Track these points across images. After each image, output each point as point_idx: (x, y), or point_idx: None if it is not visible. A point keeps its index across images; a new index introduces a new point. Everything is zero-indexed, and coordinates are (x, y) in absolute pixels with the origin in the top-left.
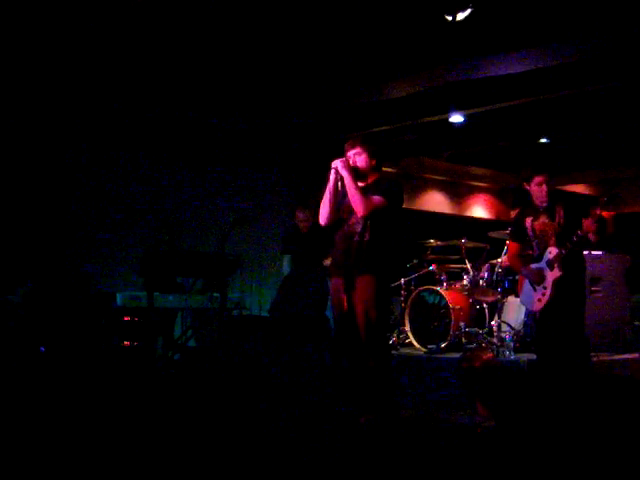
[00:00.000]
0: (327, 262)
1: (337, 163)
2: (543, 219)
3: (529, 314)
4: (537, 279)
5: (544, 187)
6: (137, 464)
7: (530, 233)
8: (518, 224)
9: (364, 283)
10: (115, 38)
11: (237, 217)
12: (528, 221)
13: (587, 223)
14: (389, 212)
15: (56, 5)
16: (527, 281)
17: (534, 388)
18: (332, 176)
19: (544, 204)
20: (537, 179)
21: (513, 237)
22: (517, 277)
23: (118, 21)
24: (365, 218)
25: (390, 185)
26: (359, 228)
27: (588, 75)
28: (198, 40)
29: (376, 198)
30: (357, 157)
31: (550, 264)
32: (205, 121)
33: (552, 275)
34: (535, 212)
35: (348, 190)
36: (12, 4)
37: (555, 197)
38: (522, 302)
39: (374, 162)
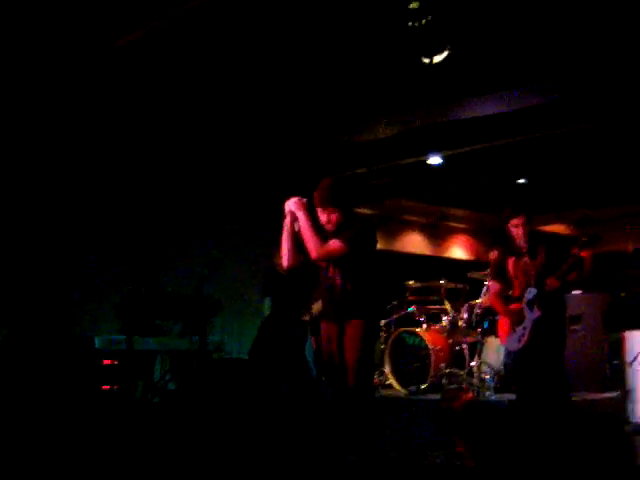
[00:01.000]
0: (316, 308)
1: (290, 204)
2: (525, 260)
3: (509, 354)
4: (517, 319)
5: (520, 229)
6: None
7: (512, 273)
8: (500, 264)
9: (353, 327)
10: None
11: (212, 260)
12: (510, 261)
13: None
14: (359, 257)
15: None
16: (506, 322)
17: (514, 428)
18: (287, 218)
19: (524, 245)
20: (513, 221)
21: (494, 277)
22: (497, 317)
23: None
24: (339, 267)
25: (355, 231)
26: (338, 280)
27: (564, 116)
28: (183, 80)
29: (333, 244)
30: (331, 215)
31: (530, 304)
32: (183, 162)
33: (532, 315)
34: (517, 253)
35: (302, 232)
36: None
37: (536, 238)
38: (502, 341)
39: (343, 218)
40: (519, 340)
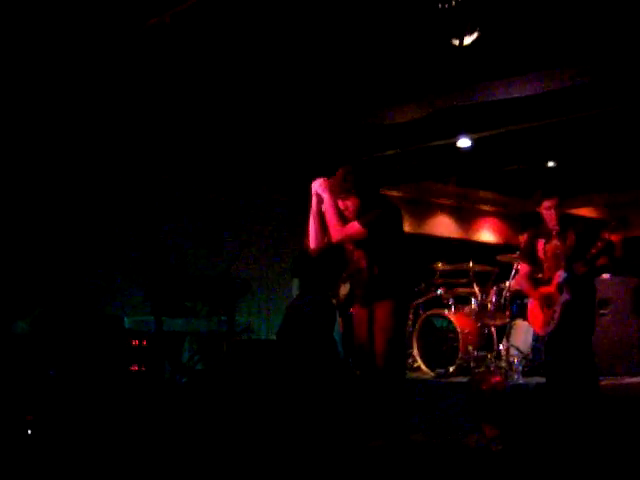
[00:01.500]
0: (342, 291)
1: (316, 186)
2: (555, 242)
3: (538, 337)
4: (546, 302)
5: (552, 211)
6: None
7: (542, 256)
8: (530, 246)
9: (382, 309)
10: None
11: (241, 242)
12: (540, 244)
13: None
14: (380, 241)
15: None
16: (536, 304)
17: (542, 411)
18: (314, 199)
19: (555, 228)
20: (546, 203)
21: (524, 259)
22: (525, 300)
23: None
24: (363, 251)
25: (375, 215)
26: (364, 264)
27: (596, 98)
28: (198, 67)
29: (351, 227)
30: (346, 203)
31: (559, 288)
32: (212, 146)
33: (561, 299)
34: (547, 235)
35: (325, 214)
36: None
37: (567, 221)
38: (531, 324)
39: (362, 201)
40: (549, 324)
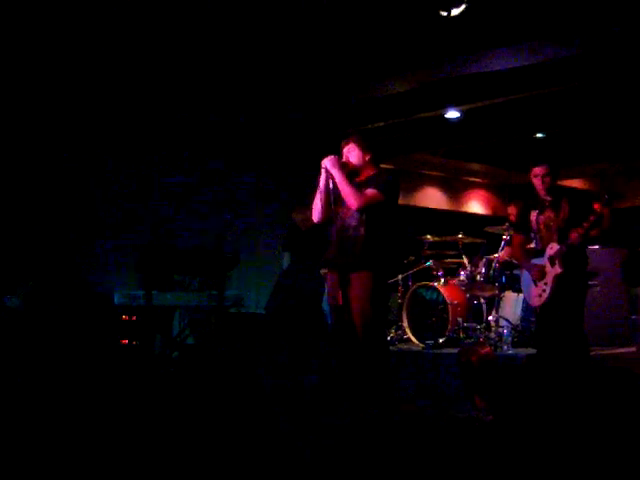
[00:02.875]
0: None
1: (326, 162)
2: (548, 213)
3: (527, 308)
4: (538, 275)
5: (539, 179)
6: (136, 463)
7: (534, 227)
8: (523, 216)
9: (360, 279)
10: (111, 35)
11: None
12: (533, 214)
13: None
14: (384, 206)
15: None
16: (528, 276)
17: (532, 382)
18: (323, 174)
19: (546, 197)
20: (534, 171)
21: (517, 229)
22: (516, 271)
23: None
24: (360, 212)
25: (386, 179)
26: (353, 222)
27: (583, 70)
28: (195, 40)
29: (370, 191)
30: (350, 153)
31: (551, 260)
32: (201, 118)
33: (553, 271)
34: (541, 206)
35: (339, 186)
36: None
37: (559, 192)
38: (524, 293)
39: (368, 157)
40: (540, 295)
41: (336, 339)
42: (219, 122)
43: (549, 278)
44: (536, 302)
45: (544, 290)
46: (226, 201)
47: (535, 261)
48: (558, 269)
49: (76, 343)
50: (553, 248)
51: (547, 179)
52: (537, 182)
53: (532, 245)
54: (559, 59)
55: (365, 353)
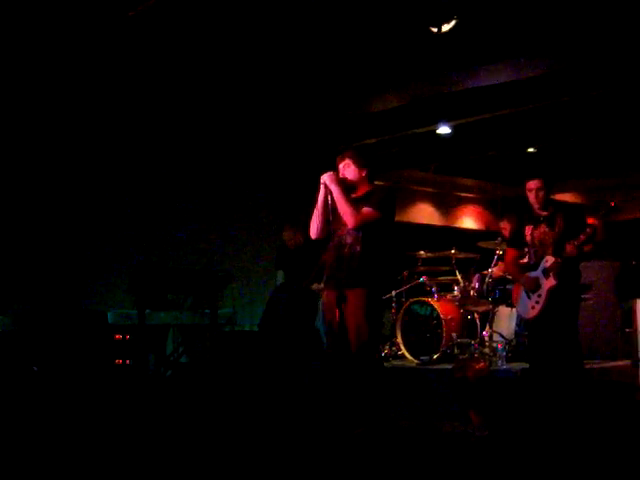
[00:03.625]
0: (315, 287)
1: (325, 178)
2: (543, 228)
3: (521, 323)
4: (532, 287)
5: (533, 194)
6: None
7: (529, 241)
8: (517, 231)
9: (355, 296)
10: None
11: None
12: (528, 229)
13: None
14: (381, 224)
15: None
16: (522, 289)
17: (527, 396)
18: (322, 190)
19: (541, 212)
20: (528, 185)
21: (511, 243)
22: (509, 286)
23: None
24: (356, 230)
25: (382, 196)
26: (349, 240)
27: (573, 84)
28: (193, 58)
29: (366, 210)
30: (346, 169)
31: (546, 272)
32: (195, 140)
33: (547, 284)
34: (535, 220)
35: (337, 203)
36: None
37: (555, 206)
38: (517, 310)
39: (364, 173)
40: (533, 307)
41: (332, 355)
42: (212, 143)
43: (543, 290)
44: (529, 314)
45: (537, 302)
46: (219, 220)
47: (529, 274)
48: (552, 281)
49: (70, 362)
50: (548, 261)
51: (541, 193)
52: (531, 196)
53: (525, 260)
54: (548, 74)
55: (359, 369)
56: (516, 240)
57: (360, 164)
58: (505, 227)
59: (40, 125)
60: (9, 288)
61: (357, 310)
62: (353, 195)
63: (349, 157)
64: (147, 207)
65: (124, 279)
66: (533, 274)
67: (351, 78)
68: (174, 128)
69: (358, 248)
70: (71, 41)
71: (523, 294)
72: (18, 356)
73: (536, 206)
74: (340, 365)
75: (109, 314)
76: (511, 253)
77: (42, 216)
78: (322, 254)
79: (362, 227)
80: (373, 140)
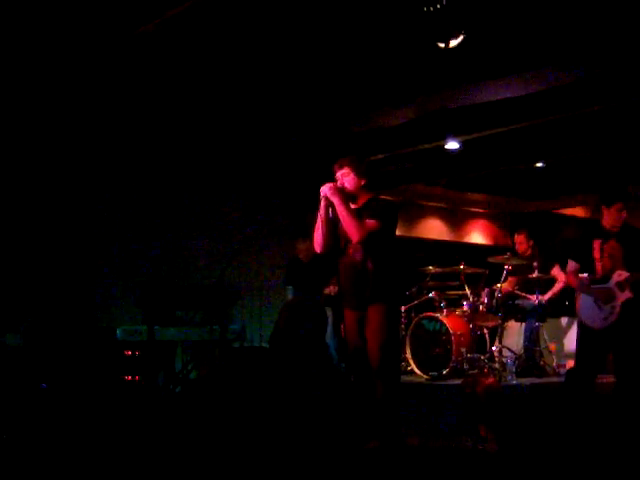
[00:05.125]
0: (328, 290)
1: (325, 189)
2: (612, 243)
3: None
4: (606, 298)
5: (623, 213)
6: None
7: (597, 255)
8: (583, 244)
9: (375, 312)
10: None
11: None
12: (597, 243)
13: None
14: (383, 235)
15: None
16: (587, 299)
17: (537, 411)
18: (322, 203)
19: (615, 229)
20: (618, 206)
21: (575, 257)
22: (517, 301)
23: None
24: (362, 245)
25: (382, 207)
26: (359, 257)
27: (581, 98)
28: (196, 70)
29: (370, 222)
30: (345, 178)
31: (620, 286)
32: (203, 155)
33: (622, 296)
34: (605, 235)
35: (340, 216)
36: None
37: (628, 227)
38: (583, 319)
39: (363, 182)
40: (606, 318)
41: (354, 373)
42: (223, 157)
43: (617, 302)
44: (600, 325)
45: (611, 313)
46: (228, 235)
47: (600, 286)
48: (628, 294)
49: (79, 379)
50: (622, 275)
51: (623, 213)
52: (618, 215)
53: (584, 275)
54: (557, 87)
55: (378, 385)
56: (580, 253)
57: (359, 173)
58: (519, 241)
59: (51, 142)
60: (18, 304)
61: (378, 326)
62: (353, 205)
63: (348, 165)
64: (156, 223)
65: (133, 295)
66: (605, 286)
67: (361, 93)
68: (185, 142)
69: (370, 265)
70: (76, 48)
71: (591, 304)
72: (27, 372)
73: (614, 223)
74: (358, 380)
75: (118, 330)
76: (573, 266)
77: (52, 232)
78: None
79: (366, 240)
80: (382, 155)
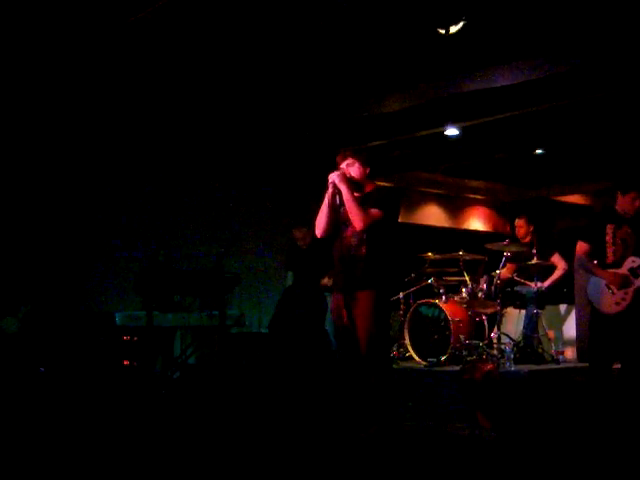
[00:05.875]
0: (325, 281)
1: (334, 176)
2: (626, 229)
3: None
4: (622, 283)
5: (637, 202)
6: None
7: (610, 239)
8: (596, 228)
9: (364, 298)
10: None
11: (231, 235)
12: (610, 228)
13: None
14: (385, 224)
15: None
16: (598, 283)
17: (535, 398)
18: (330, 189)
19: (627, 216)
20: (633, 194)
21: (586, 238)
22: (517, 288)
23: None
24: (362, 232)
25: (386, 195)
26: (355, 241)
27: (580, 85)
28: (197, 59)
29: (373, 211)
30: (350, 168)
31: (634, 272)
32: (201, 140)
33: (637, 282)
34: (618, 221)
35: (346, 203)
36: None
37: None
38: (594, 303)
39: (368, 170)
40: (618, 303)
41: (342, 358)
42: (221, 142)
43: (630, 288)
44: (612, 309)
45: (623, 299)
46: (227, 220)
47: (615, 271)
48: None
49: (77, 364)
50: (636, 261)
51: (637, 202)
52: (631, 203)
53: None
54: (556, 74)
55: (369, 371)
56: (592, 234)
57: (364, 161)
58: (520, 225)
59: (45, 128)
60: (17, 290)
61: (366, 312)
62: (357, 194)
63: (353, 155)
64: (154, 208)
65: (132, 280)
66: (620, 272)
67: (360, 80)
68: (181, 128)
69: (363, 250)
70: (74, 42)
71: (602, 288)
72: (26, 357)
73: (628, 210)
74: (350, 367)
75: (117, 315)
76: (583, 246)
77: (50, 218)
78: (334, 255)
79: (368, 228)
80: (381, 142)
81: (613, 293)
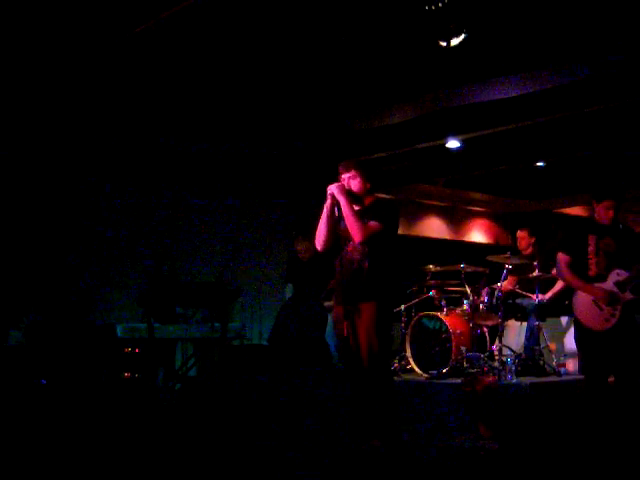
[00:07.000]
0: (327, 305)
1: (333, 188)
2: (608, 240)
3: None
4: (610, 299)
5: (610, 212)
6: None
7: (592, 249)
8: (577, 237)
9: (366, 310)
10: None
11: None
12: (592, 238)
13: None
14: (385, 237)
15: None
16: (586, 298)
17: (536, 410)
18: (328, 201)
19: (609, 225)
20: (607, 203)
21: (567, 249)
22: (518, 300)
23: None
24: (362, 244)
25: (385, 209)
26: (357, 255)
27: (583, 98)
28: (200, 70)
29: (372, 223)
30: (351, 181)
31: (621, 286)
32: (205, 151)
33: (623, 297)
34: (600, 231)
35: (345, 216)
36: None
37: (618, 223)
38: (582, 321)
39: (369, 185)
40: (607, 320)
41: (343, 370)
42: (222, 156)
43: (619, 304)
44: (602, 326)
45: (612, 315)
46: (228, 234)
47: (601, 285)
48: (629, 295)
49: (79, 376)
50: (621, 275)
51: (611, 212)
52: (605, 212)
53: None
54: (557, 87)
55: (371, 383)
56: (573, 245)
57: (366, 177)
58: (522, 236)
59: (52, 142)
60: (19, 301)
61: (368, 324)
62: (357, 207)
63: (355, 169)
64: (157, 221)
65: (134, 292)
66: (606, 286)
67: (361, 92)
68: (186, 139)
69: (366, 264)
70: (73, 47)
71: (590, 305)
72: (28, 369)
73: (604, 220)
74: (351, 378)
75: (118, 327)
76: (565, 258)
77: (52, 230)
78: (335, 269)
79: (368, 241)
80: (383, 154)
81: (601, 309)
